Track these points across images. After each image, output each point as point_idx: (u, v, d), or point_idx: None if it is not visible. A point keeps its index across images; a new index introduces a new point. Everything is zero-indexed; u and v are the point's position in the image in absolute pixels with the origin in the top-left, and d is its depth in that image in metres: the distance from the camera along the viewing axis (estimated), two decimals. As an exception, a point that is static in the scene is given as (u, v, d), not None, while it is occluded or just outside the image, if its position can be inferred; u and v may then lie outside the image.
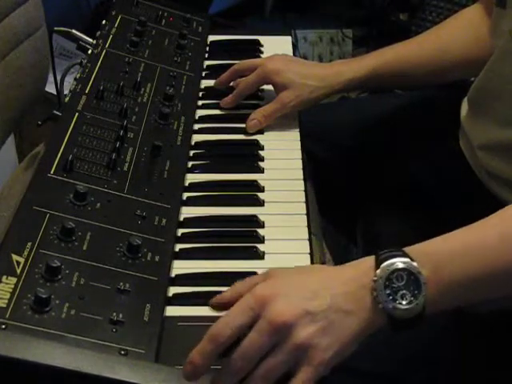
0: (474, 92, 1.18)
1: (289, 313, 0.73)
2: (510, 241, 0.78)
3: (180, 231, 0.97)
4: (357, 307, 0.75)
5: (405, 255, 0.76)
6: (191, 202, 1.03)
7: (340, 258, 2.04)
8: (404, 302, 0.74)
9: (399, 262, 0.75)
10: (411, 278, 0.75)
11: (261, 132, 1.19)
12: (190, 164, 1.10)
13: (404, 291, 0.75)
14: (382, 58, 1.27)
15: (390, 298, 0.74)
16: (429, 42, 1.29)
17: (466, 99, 1.22)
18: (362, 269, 0.77)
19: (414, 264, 0.75)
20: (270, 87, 1.26)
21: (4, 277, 0.79)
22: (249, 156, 1.14)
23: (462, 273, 0.77)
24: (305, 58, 2.53)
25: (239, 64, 1.28)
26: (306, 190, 1.07)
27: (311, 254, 0.95)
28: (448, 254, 0.78)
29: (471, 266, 0.77)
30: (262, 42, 1.44)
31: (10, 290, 0.77)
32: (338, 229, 1.53)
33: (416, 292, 0.75)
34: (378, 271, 0.75)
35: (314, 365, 0.73)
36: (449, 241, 0.79)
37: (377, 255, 0.77)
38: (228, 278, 0.90)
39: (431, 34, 1.30)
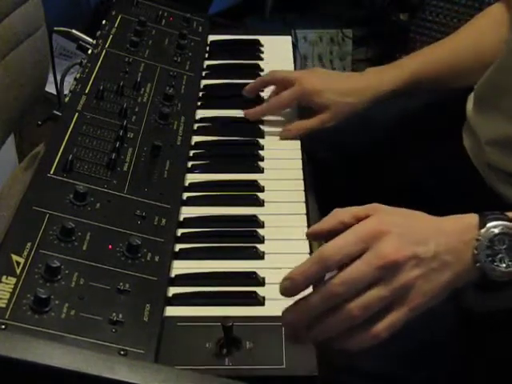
0: (483, 87, 1.17)
1: (400, 253, 0.74)
2: None
3: (180, 231, 0.97)
4: (455, 260, 0.76)
5: (509, 219, 0.77)
6: (191, 201, 1.03)
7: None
8: (503, 265, 0.76)
9: (504, 227, 0.76)
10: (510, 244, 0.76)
11: (261, 132, 1.19)
12: (189, 164, 1.10)
13: (503, 255, 0.76)
14: (418, 65, 1.25)
15: (489, 259, 0.76)
16: (461, 43, 1.27)
17: (471, 95, 1.21)
18: (465, 224, 0.78)
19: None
20: (270, 89, 1.26)
21: (4, 277, 0.79)
22: (249, 156, 1.14)
23: None
24: (305, 58, 2.54)
25: (272, 74, 1.25)
26: (305, 190, 1.07)
27: (311, 253, 0.95)
28: None
29: None
30: (262, 41, 1.43)
31: (10, 290, 0.77)
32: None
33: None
34: (483, 231, 0.76)
35: (410, 307, 0.74)
36: None
37: (481, 215, 0.78)
38: (228, 278, 0.90)
39: (462, 35, 1.28)
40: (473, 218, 0.78)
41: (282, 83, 1.24)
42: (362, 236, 0.75)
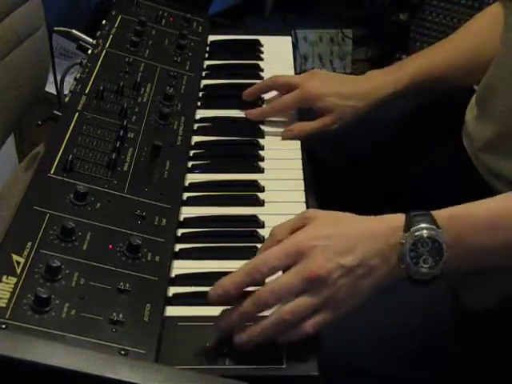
0: (480, 89, 1.18)
1: (324, 267, 0.79)
2: None
3: (180, 231, 0.97)
4: (382, 263, 0.82)
5: (432, 221, 0.81)
6: (191, 201, 1.03)
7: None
8: (425, 266, 0.81)
9: (426, 230, 0.81)
10: (435, 246, 0.81)
11: (261, 132, 1.19)
12: (190, 164, 1.10)
13: (426, 256, 0.81)
14: (417, 67, 1.25)
15: (414, 260, 0.81)
16: (459, 43, 1.28)
17: (473, 100, 1.22)
18: (392, 227, 0.83)
19: (440, 232, 0.81)
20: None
21: (4, 277, 0.79)
22: (249, 156, 1.14)
23: (482, 242, 0.82)
24: (305, 58, 2.54)
25: (273, 79, 1.25)
26: (306, 190, 1.07)
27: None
28: (472, 223, 0.83)
29: (493, 236, 0.82)
30: (262, 41, 1.43)
31: (10, 290, 0.77)
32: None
33: (437, 258, 0.81)
34: (407, 235, 0.81)
35: (336, 310, 0.81)
36: (473, 208, 0.84)
37: (407, 216, 0.83)
38: (228, 278, 0.90)
39: (460, 36, 1.29)
40: (399, 220, 0.83)
41: (283, 88, 1.24)
42: (290, 251, 0.80)
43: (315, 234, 0.82)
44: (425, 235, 0.80)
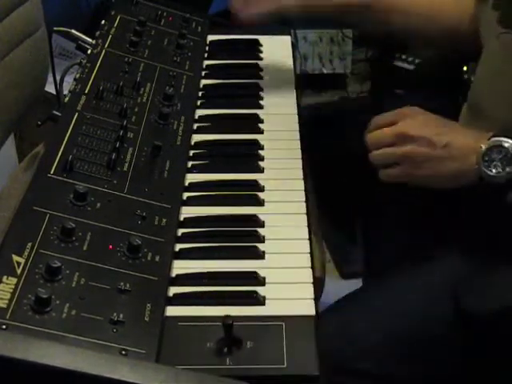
0: (470, 94, 1.18)
1: (416, 130, 1.04)
2: None
3: (180, 231, 0.97)
4: (461, 157, 1.00)
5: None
6: (191, 201, 1.03)
7: (340, 258, 2.05)
8: (493, 171, 0.97)
9: (505, 142, 0.97)
10: (507, 156, 0.96)
11: (261, 132, 1.19)
12: (189, 164, 1.10)
13: (497, 162, 0.97)
14: None
15: (486, 164, 0.97)
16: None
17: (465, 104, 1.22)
18: (480, 132, 1.01)
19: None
20: (269, 89, 1.26)
21: (4, 277, 0.79)
22: (249, 156, 1.14)
23: None
24: (305, 58, 2.53)
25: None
26: (306, 190, 1.07)
27: (311, 253, 0.95)
28: None
29: None
30: (261, 41, 1.43)
31: (11, 291, 0.77)
32: (338, 229, 1.53)
33: (505, 164, 0.96)
34: (488, 141, 0.98)
35: (409, 171, 1.04)
36: None
37: (493, 134, 0.99)
38: (228, 278, 0.90)
39: None
40: (486, 133, 0.99)
41: None
42: (397, 113, 1.08)
43: (418, 110, 1.07)
44: (502, 144, 0.97)
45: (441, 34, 1.28)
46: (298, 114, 1.24)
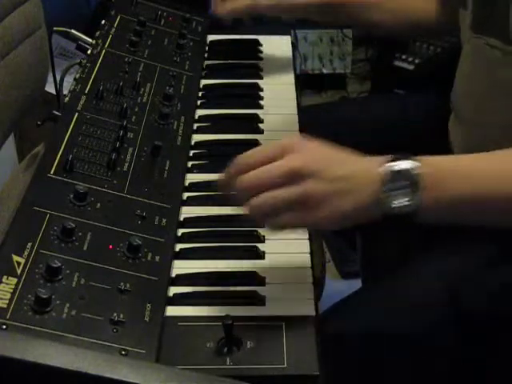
0: (452, 97, 1.19)
1: (309, 164, 0.83)
2: None
3: (180, 231, 0.97)
4: (361, 188, 0.83)
5: (415, 160, 0.83)
6: (191, 202, 1.03)
7: (340, 258, 2.05)
8: (398, 201, 0.81)
9: (407, 164, 0.83)
10: (413, 181, 0.82)
11: (261, 132, 1.19)
12: (190, 164, 1.10)
13: (403, 191, 0.81)
14: None
15: (390, 193, 0.82)
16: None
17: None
18: (377, 161, 0.84)
19: (419, 166, 0.82)
20: (270, 89, 1.26)
21: (4, 277, 0.79)
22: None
23: (462, 189, 0.82)
24: (305, 58, 2.53)
25: None
26: (306, 190, 1.07)
27: (311, 253, 0.95)
28: (454, 168, 0.84)
29: (473, 184, 0.83)
30: (261, 41, 1.43)
31: (11, 291, 0.77)
32: (338, 232, 1.53)
33: (414, 191, 0.81)
34: (388, 165, 0.83)
35: (308, 215, 0.83)
36: (460, 159, 0.87)
37: (392, 156, 0.84)
38: (228, 278, 0.90)
39: None
40: (385, 158, 0.84)
41: None
42: (279, 146, 0.86)
43: (307, 143, 0.87)
44: (405, 167, 0.82)
45: (407, 28, 1.31)
46: (298, 114, 1.24)
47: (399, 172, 0.82)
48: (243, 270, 0.92)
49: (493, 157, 0.86)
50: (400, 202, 0.81)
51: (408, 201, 0.81)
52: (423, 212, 0.81)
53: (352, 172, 0.84)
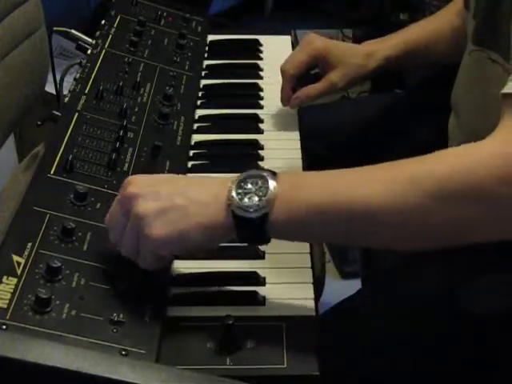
0: (452, 93, 1.19)
1: (138, 187, 0.81)
2: (390, 191, 0.77)
3: (180, 231, 0.97)
4: (206, 199, 0.80)
5: (269, 172, 0.80)
6: (191, 201, 1.02)
7: (340, 258, 2.05)
8: (246, 200, 0.78)
9: (259, 171, 0.80)
10: (264, 185, 0.78)
11: (261, 132, 1.19)
12: (190, 164, 1.10)
13: (253, 194, 0.78)
14: (410, 34, 1.28)
15: (239, 197, 0.78)
16: (441, 20, 1.31)
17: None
18: (227, 178, 0.81)
19: (270, 174, 0.79)
20: (270, 89, 1.26)
21: (4, 277, 0.79)
22: (249, 156, 1.14)
23: (316, 199, 0.78)
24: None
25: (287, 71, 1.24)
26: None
27: (311, 253, 0.95)
28: (310, 179, 0.81)
29: (329, 195, 0.78)
30: (261, 41, 1.43)
31: (11, 291, 0.77)
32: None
33: (261, 194, 0.78)
34: (239, 175, 0.80)
35: (145, 238, 0.79)
36: (318, 173, 0.82)
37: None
38: (229, 278, 0.90)
39: (443, 13, 1.32)
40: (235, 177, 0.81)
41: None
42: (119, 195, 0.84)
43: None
44: (255, 173, 0.80)
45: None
46: (298, 114, 1.24)
47: (249, 175, 0.80)
48: (243, 270, 0.92)
49: (352, 170, 0.82)
50: (245, 201, 0.78)
51: (258, 201, 0.78)
52: (275, 221, 0.78)
53: (187, 186, 0.82)
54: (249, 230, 0.79)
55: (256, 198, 0.78)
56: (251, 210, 0.78)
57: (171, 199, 0.80)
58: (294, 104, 1.22)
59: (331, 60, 1.23)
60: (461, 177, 0.75)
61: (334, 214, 0.78)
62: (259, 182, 0.79)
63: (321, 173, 0.81)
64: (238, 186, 0.79)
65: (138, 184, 0.82)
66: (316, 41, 1.26)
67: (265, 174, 0.80)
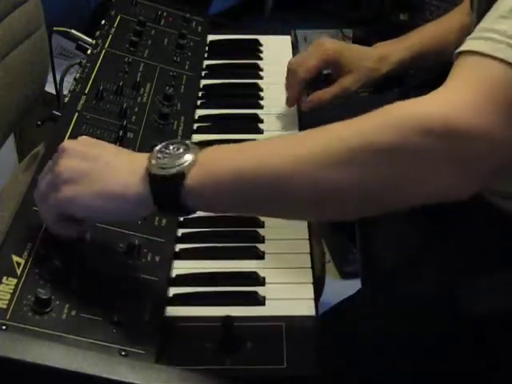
0: None
1: (74, 143, 0.83)
2: (296, 162, 0.75)
3: (180, 231, 0.97)
4: (126, 166, 0.79)
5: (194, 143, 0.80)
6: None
7: (340, 258, 2.05)
8: (165, 160, 0.77)
9: (183, 140, 0.80)
10: (185, 151, 0.78)
11: (261, 132, 1.19)
12: (189, 164, 1.09)
13: (172, 156, 0.78)
14: (421, 38, 1.28)
15: (158, 159, 0.78)
16: (450, 21, 1.30)
17: None
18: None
19: (194, 145, 0.79)
20: (270, 89, 1.26)
21: (4, 278, 0.79)
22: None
23: (230, 164, 0.77)
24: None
25: (292, 72, 1.23)
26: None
27: (311, 253, 0.95)
28: (231, 148, 0.79)
29: (242, 161, 0.77)
30: (261, 41, 1.43)
31: (11, 291, 0.77)
32: (338, 228, 1.53)
33: (180, 156, 0.77)
34: (162, 143, 0.80)
35: (54, 192, 0.80)
36: (240, 145, 0.81)
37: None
38: (228, 278, 0.90)
39: (453, 13, 1.31)
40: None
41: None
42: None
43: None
44: (178, 140, 0.80)
45: None
46: (298, 114, 1.24)
47: (173, 142, 0.80)
48: (243, 270, 0.92)
49: (269, 142, 0.82)
50: (161, 160, 0.78)
51: (175, 160, 0.77)
52: (190, 184, 0.76)
53: (114, 154, 0.82)
54: (164, 194, 0.77)
55: (174, 160, 0.77)
56: (167, 167, 0.77)
57: (94, 162, 0.80)
58: (307, 107, 1.21)
59: (343, 64, 1.23)
60: (388, 131, 0.73)
61: (250, 178, 0.76)
62: (181, 148, 0.79)
63: (243, 143, 0.81)
64: (159, 151, 0.79)
65: (77, 141, 0.84)
66: (327, 44, 1.24)
67: (188, 142, 0.80)
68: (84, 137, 0.86)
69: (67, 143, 0.83)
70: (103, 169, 0.79)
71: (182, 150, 0.79)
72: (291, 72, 1.23)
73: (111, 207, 0.79)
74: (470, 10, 1.15)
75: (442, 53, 1.28)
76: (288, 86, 1.23)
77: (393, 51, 1.26)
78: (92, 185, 0.79)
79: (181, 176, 0.76)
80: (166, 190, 0.77)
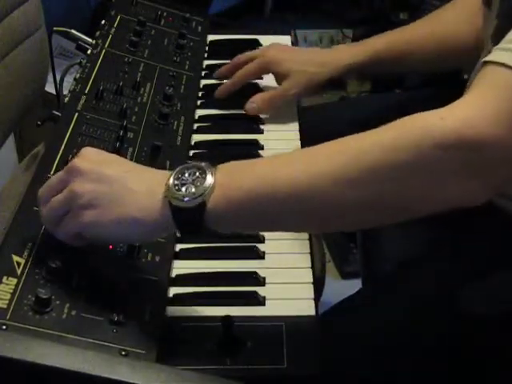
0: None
1: (86, 161, 0.81)
2: (315, 178, 0.76)
3: (180, 231, 0.97)
4: (145, 189, 0.79)
5: (208, 164, 0.80)
6: (191, 201, 1.02)
7: (340, 258, 2.05)
8: (183, 190, 0.78)
9: (197, 163, 0.80)
10: (202, 176, 0.78)
11: (261, 132, 1.19)
12: (189, 164, 1.10)
13: (190, 184, 0.78)
14: (382, 44, 1.28)
15: (176, 187, 0.78)
16: (421, 30, 1.29)
17: None
18: (168, 171, 0.81)
19: (209, 166, 0.79)
20: (270, 89, 1.27)
21: (4, 277, 0.79)
22: (249, 156, 1.13)
23: (252, 184, 0.77)
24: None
25: (237, 58, 1.30)
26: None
27: (311, 253, 0.95)
28: (248, 165, 0.81)
29: (265, 181, 0.78)
30: (261, 41, 1.43)
31: (11, 291, 0.77)
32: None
33: (198, 184, 0.78)
34: (177, 168, 0.80)
35: (72, 217, 0.80)
36: (257, 160, 0.84)
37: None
38: (229, 278, 0.90)
39: (424, 22, 1.30)
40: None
41: (250, 61, 1.28)
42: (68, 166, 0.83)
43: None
44: (193, 164, 0.80)
45: (449, 52, 1.27)
46: (298, 114, 1.24)
47: (187, 166, 0.80)
48: (243, 270, 0.92)
49: (286, 157, 0.82)
50: (182, 191, 0.77)
51: (195, 190, 0.77)
52: (212, 209, 0.77)
53: (129, 173, 0.81)
54: (187, 221, 0.78)
55: (193, 188, 0.78)
56: (186, 199, 0.77)
57: (110, 184, 0.79)
58: (251, 110, 1.22)
59: (281, 70, 1.25)
60: (406, 148, 0.75)
61: (271, 198, 0.77)
62: (197, 173, 0.79)
63: (259, 159, 0.84)
64: (176, 178, 0.79)
65: (87, 158, 0.82)
66: (269, 51, 1.29)
67: (203, 164, 0.80)
68: (90, 151, 0.84)
69: (79, 163, 0.81)
70: (121, 191, 0.79)
71: (197, 175, 0.79)
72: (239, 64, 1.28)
73: (132, 232, 0.80)
74: (484, 7, 1.14)
75: (401, 60, 1.28)
76: (234, 77, 1.27)
77: (344, 55, 1.28)
78: (111, 210, 0.79)
79: (203, 205, 0.77)
80: (190, 220, 0.78)
